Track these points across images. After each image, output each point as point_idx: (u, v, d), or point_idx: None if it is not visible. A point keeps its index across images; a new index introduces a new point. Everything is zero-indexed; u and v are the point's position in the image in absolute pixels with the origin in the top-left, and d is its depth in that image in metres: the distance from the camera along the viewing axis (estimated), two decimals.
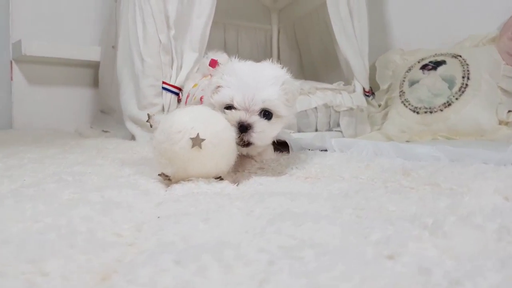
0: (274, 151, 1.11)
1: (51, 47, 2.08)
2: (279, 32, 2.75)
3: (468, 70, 1.81)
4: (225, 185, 0.77)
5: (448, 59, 1.90)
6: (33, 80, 2.18)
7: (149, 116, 0.81)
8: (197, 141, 0.75)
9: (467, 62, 1.84)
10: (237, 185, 0.80)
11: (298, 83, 0.94)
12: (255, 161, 1.05)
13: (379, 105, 2.14)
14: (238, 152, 0.82)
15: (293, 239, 0.46)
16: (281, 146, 1.16)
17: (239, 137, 0.82)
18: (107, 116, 2.25)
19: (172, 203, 0.63)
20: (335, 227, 0.50)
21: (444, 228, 0.49)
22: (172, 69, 1.60)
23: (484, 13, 1.95)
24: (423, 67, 1.95)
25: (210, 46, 2.57)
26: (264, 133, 0.84)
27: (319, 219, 0.53)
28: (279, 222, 0.52)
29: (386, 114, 2.08)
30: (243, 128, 0.82)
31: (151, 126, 0.80)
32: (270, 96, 0.83)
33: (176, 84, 1.59)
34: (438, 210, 0.58)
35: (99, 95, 2.29)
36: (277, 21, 2.75)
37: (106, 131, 2.14)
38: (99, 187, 0.69)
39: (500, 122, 1.70)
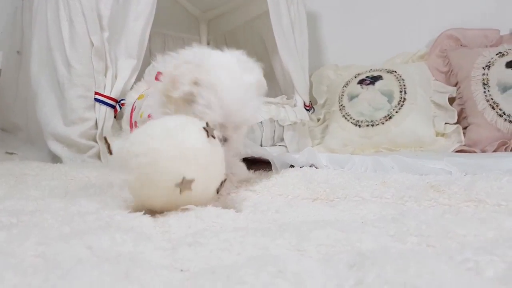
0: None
1: None
2: (208, 43, 2.61)
3: (404, 85, 1.88)
4: (232, 214, 0.61)
5: (384, 75, 1.95)
6: None
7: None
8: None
9: (402, 77, 1.91)
10: (238, 213, 0.65)
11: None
12: (230, 181, 0.90)
13: (318, 119, 2.11)
14: None
15: None
16: (250, 162, 1.03)
17: None
18: (9, 135, 1.88)
19: (188, 248, 0.46)
20: (441, 265, 0.39)
21: None
22: (106, 77, 1.37)
23: (413, 31, 2.06)
24: (361, 82, 1.98)
25: None
26: (234, 143, 0.80)
27: (411, 257, 0.40)
28: (369, 268, 0.38)
29: (325, 128, 2.07)
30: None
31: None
32: (251, 117, 0.80)
33: (111, 95, 1.35)
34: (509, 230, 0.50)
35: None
36: (206, 32, 2.61)
37: (11, 153, 1.77)
38: (72, 232, 0.49)
39: (437, 134, 1.78)
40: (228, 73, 0.77)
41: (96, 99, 1.33)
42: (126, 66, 1.41)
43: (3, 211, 0.60)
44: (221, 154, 0.64)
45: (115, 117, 1.37)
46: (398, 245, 0.48)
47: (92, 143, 1.33)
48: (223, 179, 0.66)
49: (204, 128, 0.61)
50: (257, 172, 1.01)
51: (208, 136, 0.61)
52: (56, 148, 1.33)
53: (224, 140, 0.75)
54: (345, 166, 0.86)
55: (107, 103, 1.34)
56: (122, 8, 1.41)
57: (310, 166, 0.90)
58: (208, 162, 0.61)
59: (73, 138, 1.30)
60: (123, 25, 1.42)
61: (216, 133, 0.63)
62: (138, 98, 1.19)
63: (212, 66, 0.78)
